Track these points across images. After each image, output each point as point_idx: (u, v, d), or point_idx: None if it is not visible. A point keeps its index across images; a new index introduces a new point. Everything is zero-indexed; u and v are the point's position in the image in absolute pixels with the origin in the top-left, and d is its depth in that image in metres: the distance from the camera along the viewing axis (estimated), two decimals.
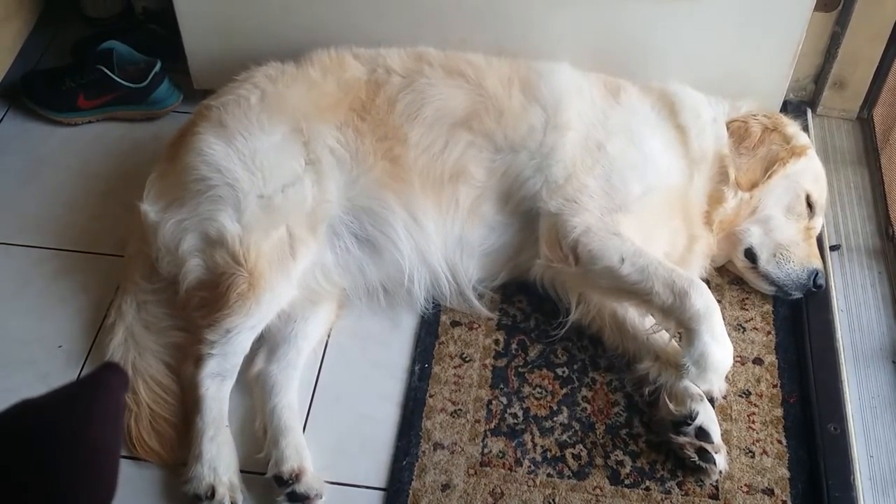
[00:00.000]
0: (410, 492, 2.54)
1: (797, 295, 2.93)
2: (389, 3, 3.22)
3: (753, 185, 2.91)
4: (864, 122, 3.57)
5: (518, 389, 2.77)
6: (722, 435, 2.62)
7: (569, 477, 2.58)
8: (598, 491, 2.56)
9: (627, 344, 2.84)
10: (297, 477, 2.49)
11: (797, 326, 2.93)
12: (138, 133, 3.53)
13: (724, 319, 2.64)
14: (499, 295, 3.00)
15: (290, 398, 2.69)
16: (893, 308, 2.99)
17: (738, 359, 2.83)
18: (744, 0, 3.10)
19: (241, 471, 2.57)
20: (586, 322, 2.89)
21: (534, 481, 2.57)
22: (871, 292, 3.05)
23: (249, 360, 2.74)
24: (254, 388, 2.74)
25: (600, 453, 2.63)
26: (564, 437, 2.67)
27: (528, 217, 2.86)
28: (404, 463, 2.59)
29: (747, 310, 2.98)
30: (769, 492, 2.56)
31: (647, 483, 2.57)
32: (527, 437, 2.67)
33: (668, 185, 2.86)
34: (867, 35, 3.33)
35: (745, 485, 2.57)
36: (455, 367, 2.82)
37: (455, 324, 2.93)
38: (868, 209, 3.30)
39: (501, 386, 2.78)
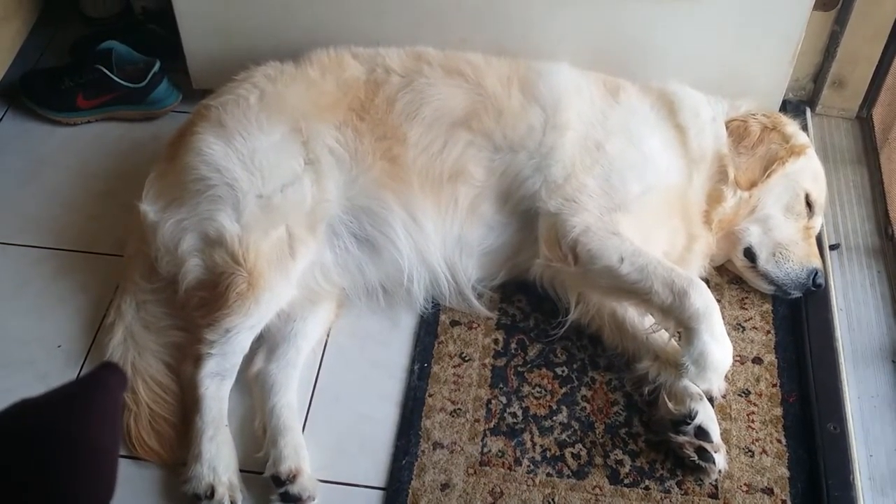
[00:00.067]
0: (410, 491, 2.54)
1: (796, 294, 2.93)
2: (389, 2, 3.21)
3: (752, 185, 2.91)
4: (864, 121, 3.57)
5: (517, 389, 2.77)
6: (721, 434, 2.62)
7: (568, 476, 2.58)
8: (597, 490, 2.56)
9: (627, 343, 2.84)
10: (293, 477, 2.49)
11: (796, 326, 2.93)
12: (137, 133, 3.53)
13: (723, 318, 2.64)
14: (498, 294, 3.00)
15: (289, 398, 2.69)
16: (893, 307, 2.99)
17: (738, 358, 2.83)
18: (743, 0, 3.10)
19: (241, 470, 2.57)
20: (585, 321, 2.89)
21: (533, 481, 2.57)
22: (871, 291, 3.05)
23: (249, 359, 2.74)
24: (253, 388, 2.74)
25: (600, 452, 2.63)
26: (564, 436, 2.67)
27: (527, 217, 2.85)
28: (404, 462, 2.59)
29: (747, 309, 2.98)
30: (769, 491, 2.56)
31: (647, 482, 2.57)
32: (526, 436, 2.67)
33: (667, 185, 2.86)
34: (866, 34, 3.33)
35: (745, 484, 2.57)
36: (454, 367, 2.82)
37: (454, 323, 2.93)
38: (867, 208, 3.30)
39: (501, 385, 2.77)
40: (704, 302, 2.60)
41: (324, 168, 2.77)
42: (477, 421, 2.69)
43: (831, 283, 3.01)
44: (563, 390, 2.77)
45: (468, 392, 2.75)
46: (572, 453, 2.63)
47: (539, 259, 2.80)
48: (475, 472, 2.58)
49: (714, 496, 2.55)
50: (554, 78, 2.93)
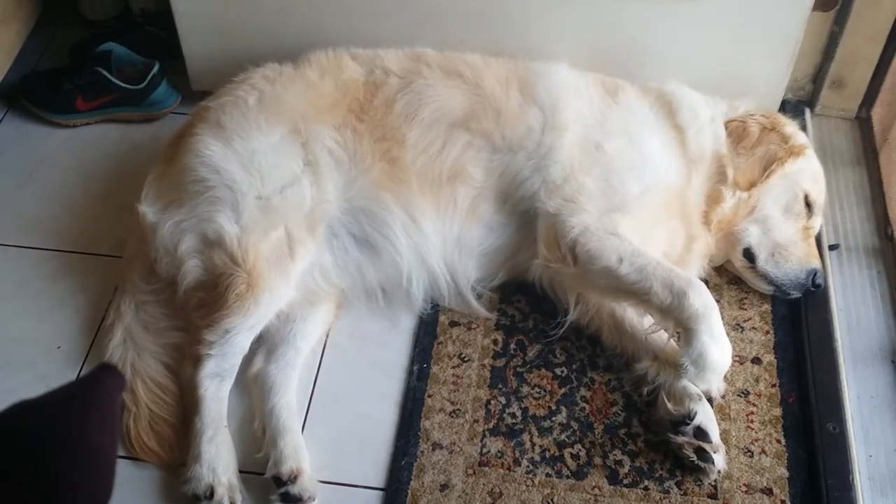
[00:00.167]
0: (409, 492, 2.54)
1: (796, 294, 2.93)
2: (387, 4, 3.22)
3: (752, 185, 2.91)
4: (863, 121, 3.57)
5: (517, 389, 2.77)
6: (721, 434, 2.62)
7: (567, 477, 2.58)
8: (596, 491, 2.56)
9: (626, 344, 2.84)
10: (294, 478, 2.49)
11: (796, 326, 2.93)
12: (136, 134, 3.53)
13: (722, 319, 2.63)
14: (497, 295, 3.00)
15: (288, 398, 2.69)
16: (892, 307, 2.99)
17: (737, 358, 2.83)
18: (742, 0, 3.10)
19: (240, 471, 2.57)
20: (585, 322, 2.89)
21: (532, 481, 2.57)
22: (870, 292, 3.05)
23: (248, 360, 2.74)
24: (252, 389, 2.74)
25: (599, 453, 2.63)
26: (563, 436, 2.67)
27: (526, 217, 2.86)
28: (403, 463, 2.59)
29: (746, 309, 2.98)
30: (768, 491, 2.56)
31: (646, 482, 2.57)
32: (525, 436, 2.67)
33: (666, 185, 2.86)
34: (865, 34, 3.32)
35: (744, 484, 2.57)
36: (453, 367, 2.82)
37: (453, 324, 2.93)
38: (866, 209, 3.30)
39: (500, 386, 2.78)
40: (703, 302, 2.60)
41: (323, 169, 2.77)
42: (476, 421, 2.69)
43: (830, 283, 3.01)
44: (563, 391, 2.77)
45: (467, 393, 2.75)
46: (571, 454, 2.63)
47: (538, 259, 2.80)
48: (474, 473, 2.58)
49: (713, 496, 2.55)
50: (552, 78, 2.93)
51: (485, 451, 2.63)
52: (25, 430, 1.53)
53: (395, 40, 3.06)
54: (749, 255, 2.96)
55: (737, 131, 2.97)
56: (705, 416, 2.60)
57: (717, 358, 2.61)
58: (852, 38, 3.34)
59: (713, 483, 2.57)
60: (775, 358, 2.85)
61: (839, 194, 3.33)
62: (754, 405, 2.74)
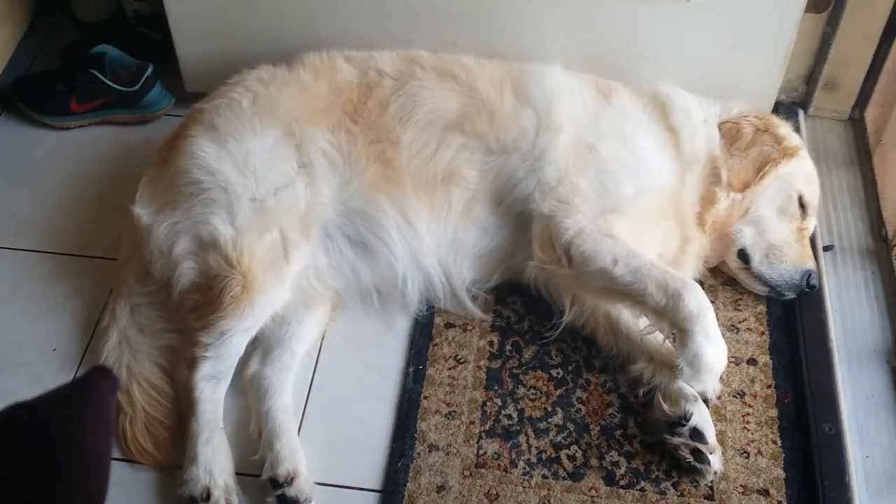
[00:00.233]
0: (405, 493, 2.54)
1: (790, 295, 2.94)
2: (381, 6, 3.22)
3: (745, 186, 2.91)
4: (856, 122, 3.57)
5: (512, 391, 2.77)
6: (717, 435, 2.62)
7: (564, 478, 2.58)
8: (593, 492, 2.56)
9: (621, 345, 2.84)
10: (291, 480, 2.49)
11: (791, 327, 2.93)
12: (130, 136, 3.53)
13: (717, 320, 2.64)
14: (492, 296, 2.99)
15: (284, 400, 2.68)
16: (887, 308, 2.99)
17: (732, 359, 2.83)
18: (735, 1, 3.10)
19: (237, 473, 2.56)
20: (580, 323, 2.89)
21: (529, 483, 2.57)
22: (865, 292, 3.05)
23: (244, 362, 2.74)
24: (248, 391, 2.74)
25: (595, 454, 2.63)
26: (559, 438, 2.67)
27: (520, 219, 2.85)
28: (399, 465, 2.59)
29: (741, 310, 2.99)
30: (764, 492, 2.56)
31: (643, 484, 2.57)
32: (522, 438, 2.66)
33: (660, 187, 2.86)
34: (858, 35, 3.33)
35: (741, 485, 2.57)
36: (449, 369, 2.81)
37: (449, 325, 2.93)
38: (860, 210, 3.30)
39: (496, 387, 2.77)
40: (698, 303, 2.60)
41: (317, 171, 2.77)
42: (472, 423, 2.69)
43: (825, 284, 3.01)
44: (559, 392, 2.77)
45: (463, 394, 2.75)
46: (568, 455, 2.63)
47: (533, 261, 2.80)
48: (471, 475, 2.58)
49: (710, 497, 2.55)
50: (546, 80, 2.93)
51: (481, 452, 2.63)
52: (21, 432, 1.53)
53: (389, 42, 3.06)
54: (743, 256, 2.96)
55: (730, 133, 2.98)
56: (701, 418, 2.60)
57: (713, 359, 2.61)
58: (845, 39, 3.34)
59: (709, 484, 2.57)
60: (770, 359, 2.86)
61: (833, 195, 3.34)
62: (750, 406, 2.74)
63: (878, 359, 2.87)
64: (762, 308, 2.99)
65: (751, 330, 2.93)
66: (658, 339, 2.76)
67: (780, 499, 2.54)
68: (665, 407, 2.62)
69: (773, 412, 2.73)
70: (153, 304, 2.78)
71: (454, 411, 2.71)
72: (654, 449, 2.65)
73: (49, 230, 3.17)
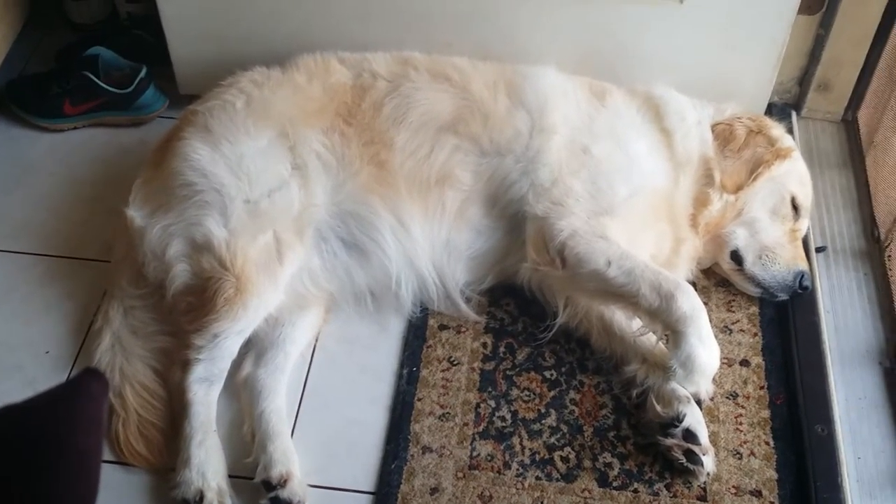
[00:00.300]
0: (399, 495, 2.54)
1: (783, 297, 2.94)
2: (375, 7, 3.22)
3: (738, 188, 2.92)
4: (849, 124, 3.58)
5: (506, 392, 2.77)
6: (709, 437, 2.62)
7: (557, 479, 2.59)
8: (586, 493, 2.56)
9: (615, 346, 2.84)
10: (284, 482, 2.49)
11: (783, 328, 2.93)
12: (124, 138, 3.52)
13: (710, 321, 2.64)
14: (486, 298, 3.00)
15: (278, 403, 2.68)
16: (879, 309, 3.00)
17: (725, 361, 2.84)
18: (728, 3, 3.11)
19: (230, 475, 2.56)
20: (574, 325, 2.89)
21: (522, 484, 2.58)
22: (857, 294, 3.05)
23: (237, 364, 2.74)
24: (242, 393, 2.73)
25: (588, 456, 2.63)
26: (552, 439, 2.67)
27: (514, 220, 2.86)
28: (393, 466, 2.59)
29: (734, 312, 2.99)
30: (757, 493, 2.56)
31: (636, 485, 2.58)
32: (515, 440, 2.67)
33: (653, 188, 2.87)
34: (851, 37, 3.33)
35: (733, 486, 2.58)
36: (443, 371, 2.82)
37: (443, 327, 2.93)
38: (853, 211, 3.30)
39: (489, 389, 2.78)
40: (691, 305, 2.60)
41: (311, 173, 2.77)
42: (466, 425, 2.69)
43: (818, 285, 3.02)
44: (552, 394, 2.77)
45: (457, 396, 2.76)
46: (561, 456, 2.64)
47: (527, 263, 2.81)
48: (464, 476, 2.58)
49: (702, 498, 2.56)
50: (540, 82, 2.94)
51: (474, 454, 2.63)
52: (13, 433, 1.53)
53: (383, 44, 3.06)
54: (736, 257, 2.97)
55: (723, 134, 2.98)
56: (694, 419, 2.60)
57: (706, 360, 2.62)
58: (838, 40, 3.35)
59: (702, 485, 2.58)
60: (763, 360, 2.86)
61: (826, 197, 3.34)
62: (743, 407, 2.74)
63: (870, 360, 2.87)
64: (755, 309, 2.99)
65: (743, 331, 2.93)
66: (651, 340, 2.77)
67: (772, 500, 2.55)
68: (658, 408, 2.63)
69: (766, 413, 2.73)
70: (146, 307, 2.78)
71: (448, 413, 2.71)
72: (647, 450, 2.65)
73: (42, 232, 3.17)
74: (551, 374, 2.82)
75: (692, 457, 2.55)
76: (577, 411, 2.74)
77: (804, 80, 3.54)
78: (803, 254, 2.98)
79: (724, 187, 2.92)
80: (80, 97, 3.47)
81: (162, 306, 2.74)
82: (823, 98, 3.55)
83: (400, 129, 2.83)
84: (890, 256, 3.05)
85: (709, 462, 2.56)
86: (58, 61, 3.75)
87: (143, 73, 3.49)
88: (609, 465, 2.62)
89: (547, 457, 2.63)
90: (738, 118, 3.03)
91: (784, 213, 2.95)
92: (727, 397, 2.77)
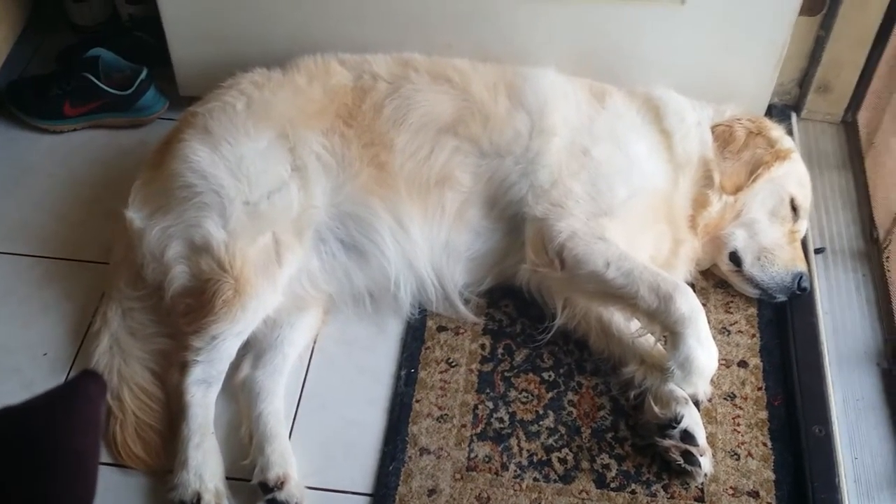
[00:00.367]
0: (397, 497, 2.54)
1: (781, 298, 2.94)
2: (375, 9, 3.22)
3: (738, 189, 2.92)
4: (849, 125, 3.58)
5: (504, 394, 2.77)
6: (707, 438, 2.62)
7: (555, 481, 2.59)
8: (584, 495, 2.56)
9: (613, 348, 2.84)
10: (281, 484, 2.49)
11: (782, 329, 2.93)
12: (124, 140, 3.53)
13: (708, 322, 2.64)
14: (485, 300, 3.00)
15: (276, 404, 2.69)
16: (877, 310, 2.99)
17: (723, 362, 2.83)
18: (728, 4, 3.11)
19: (227, 477, 2.56)
20: (572, 326, 2.89)
21: (520, 485, 2.58)
22: (856, 295, 3.05)
23: (235, 366, 2.74)
24: (240, 395, 2.74)
25: (586, 457, 2.64)
26: (550, 441, 2.67)
27: (513, 222, 2.86)
28: (391, 468, 2.59)
29: (732, 313, 2.99)
30: (754, 494, 2.56)
31: (633, 486, 2.58)
32: (513, 441, 2.67)
33: (653, 190, 2.87)
34: (851, 39, 3.33)
35: (731, 487, 2.58)
36: (441, 372, 2.82)
37: (441, 329, 2.93)
38: (852, 212, 3.30)
39: (488, 390, 2.78)
40: (690, 306, 2.60)
41: (311, 174, 2.77)
42: (464, 426, 2.69)
43: (816, 286, 3.02)
44: (550, 395, 2.78)
45: (455, 397, 2.76)
46: (559, 458, 2.64)
47: (526, 264, 2.80)
48: (462, 478, 2.59)
49: (700, 499, 2.55)
50: (540, 83, 2.94)
51: (472, 455, 2.63)
52: (11, 434, 1.54)
53: (383, 45, 3.06)
54: (735, 258, 2.97)
55: (723, 135, 2.98)
56: (692, 420, 2.60)
57: (704, 361, 2.62)
58: (838, 42, 3.34)
59: (700, 486, 2.58)
60: (761, 361, 2.86)
61: (825, 198, 3.34)
62: (740, 408, 2.74)
63: (868, 361, 2.87)
64: (753, 310, 2.99)
65: (742, 332, 2.93)
66: (649, 341, 2.77)
67: (769, 501, 2.55)
68: (656, 409, 2.63)
69: (764, 414, 2.73)
70: (145, 309, 2.78)
71: (446, 415, 2.72)
72: (644, 451, 2.65)
73: (41, 234, 3.17)
74: (549, 376, 2.82)
75: (690, 458, 2.55)
76: (575, 413, 2.74)
77: (804, 81, 3.54)
78: (802, 255, 2.98)
79: (724, 188, 2.92)
80: (80, 99, 3.48)
81: (160, 308, 2.75)
82: (823, 99, 3.54)
83: (400, 131, 2.83)
84: (888, 258, 3.05)
85: (706, 463, 2.56)
86: (58, 63, 3.76)
87: (143, 75, 3.50)
88: (607, 467, 2.62)
89: (545, 458, 2.63)
90: (738, 119, 3.03)
91: (783, 214, 2.95)
92: (725, 398, 2.77)
